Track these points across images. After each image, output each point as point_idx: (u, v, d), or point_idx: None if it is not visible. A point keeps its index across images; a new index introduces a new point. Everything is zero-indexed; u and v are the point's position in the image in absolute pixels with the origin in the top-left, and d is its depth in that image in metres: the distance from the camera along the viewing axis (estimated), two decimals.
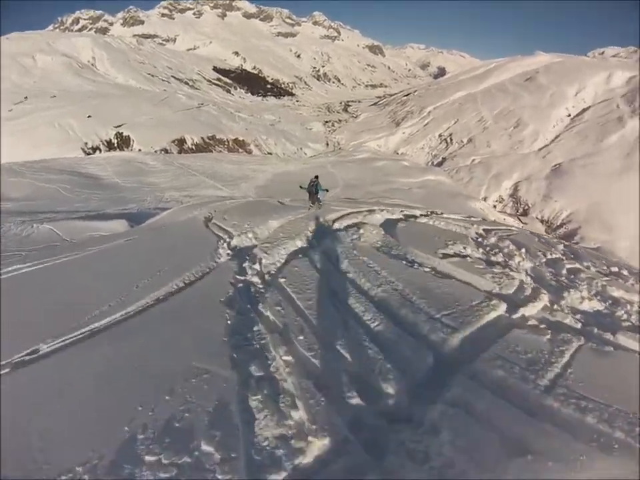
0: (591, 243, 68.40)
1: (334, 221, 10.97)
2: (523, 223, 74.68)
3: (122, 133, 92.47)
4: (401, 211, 13.00)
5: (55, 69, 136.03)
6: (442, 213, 13.97)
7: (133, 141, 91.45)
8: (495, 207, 79.64)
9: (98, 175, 43.21)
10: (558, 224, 78.03)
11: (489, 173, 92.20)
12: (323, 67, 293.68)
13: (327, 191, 13.82)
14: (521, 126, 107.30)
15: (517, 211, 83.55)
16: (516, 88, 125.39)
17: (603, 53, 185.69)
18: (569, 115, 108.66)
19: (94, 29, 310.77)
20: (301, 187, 14.26)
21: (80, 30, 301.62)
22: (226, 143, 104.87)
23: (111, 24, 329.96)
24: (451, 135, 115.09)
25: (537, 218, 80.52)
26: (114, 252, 8.77)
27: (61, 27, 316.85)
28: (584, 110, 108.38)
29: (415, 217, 12.58)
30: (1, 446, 3.36)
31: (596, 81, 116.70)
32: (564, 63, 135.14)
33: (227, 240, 9.31)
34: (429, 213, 13.69)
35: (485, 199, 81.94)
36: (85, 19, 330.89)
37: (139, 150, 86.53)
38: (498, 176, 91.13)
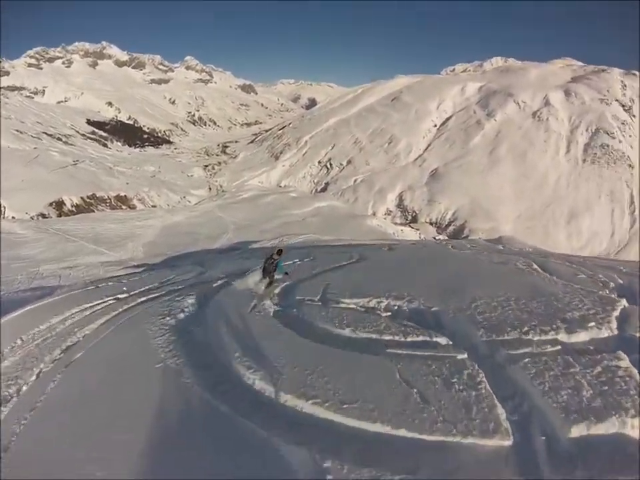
0: (479, 233, 70.01)
1: None
2: (415, 229, 74.67)
3: None
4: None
5: None
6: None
7: (4, 207, 79.74)
8: (384, 219, 79.30)
9: None
10: (446, 223, 79.72)
11: (373, 189, 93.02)
12: (198, 110, 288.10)
13: (287, 274, 10.31)
14: (395, 141, 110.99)
15: (407, 219, 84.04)
16: (384, 108, 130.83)
17: (454, 70, 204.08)
18: (435, 125, 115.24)
19: None
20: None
21: None
22: (108, 201, 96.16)
23: None
24: (330, 159, 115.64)
25: (426, 222, 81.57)
26: None
27: None
28: (447, 119, 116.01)
29: None
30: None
31: (452, 93, 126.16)
32: (422, 82, 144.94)
33: None
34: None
35: (374, 214, 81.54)
36: None
37: (12, 217, 76.08)
38: (381, 190, 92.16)
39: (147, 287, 11.25)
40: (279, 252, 9.79)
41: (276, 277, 9.88)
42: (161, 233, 55.65)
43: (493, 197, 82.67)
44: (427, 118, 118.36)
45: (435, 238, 72.21)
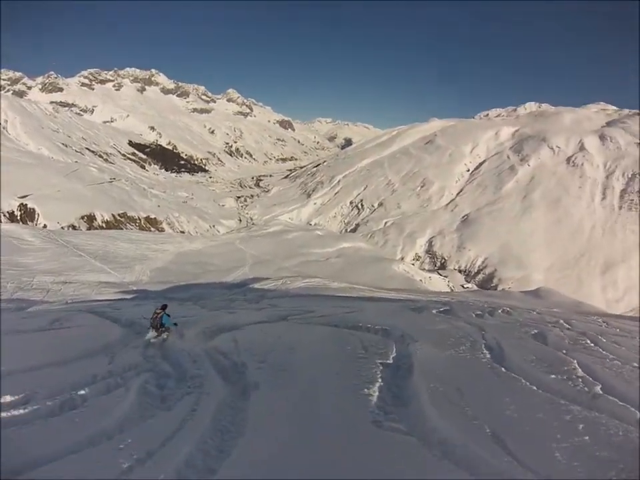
0: (509, 282, 69.33)
1: None
2: (443, 276, 74.85)
3: (26, 204, 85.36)
4: None
5: None
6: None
7: (39, 214, 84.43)
8: (413, 264, 79.70)
9: None
10: (475, 271, 79.26)
11: (403, 233, 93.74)
12: (235, 142, 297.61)
13: (176, 325, 10.53)
14: (427, 185, 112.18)
15: (435, 266, 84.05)
16: (418, 151, 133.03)
17: (487, 114, 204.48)
18: (468, 170, 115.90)
19: (11, 91, 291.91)
20: (144, 317, 11.24)
21: None
22: (138, 221, 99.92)
23: (30, 88, 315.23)
24: (361, 200, 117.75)
25: (455, 269, 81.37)
26: None
27: None
28: (480, 164, 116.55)
29: None
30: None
31: (486, 137, 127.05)
32: (456, 126, 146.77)
33: None
34: None
35: (402, 259, 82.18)
36: (4, 80, 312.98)
37: (44, 225, 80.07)
38: (412, 234, 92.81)
39: None
40: (163, 307, 10.28)
41: (167, 327, 10.15)
42: (174, 260, 54.48)
43: (525, 245, 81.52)
44: (460, 162, 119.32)
45: (463, 286, 72.19)
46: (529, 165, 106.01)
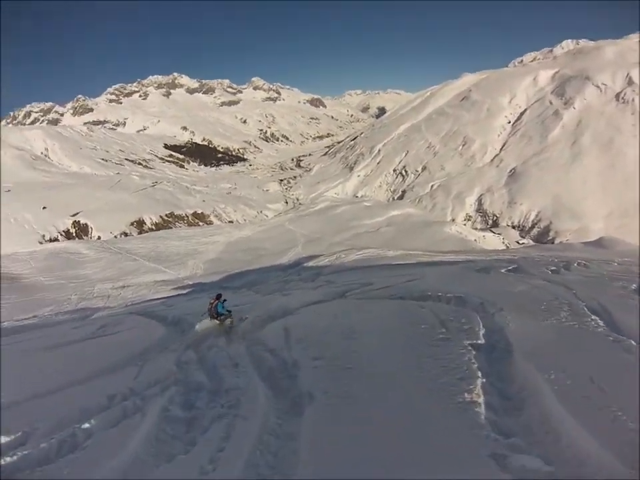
0: (567, 235, 67.96)
1: None
2: (496, 234, 74.13)
3: (79, 221, 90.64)
4: None
5: (8, 162, 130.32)
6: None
7: (92, 228, 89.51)
8: (465, 225, 79.29)
9: (18, 274, 40.10)
10: (530, 225, 77.76)
11: (450, 194, 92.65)
12: (269, 127, 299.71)
13: (230, 312, 11.04)
14: (469, 143, 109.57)
15: (487, 224, 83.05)
16: (454, 109, 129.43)
17: (522, 60, 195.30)
18: (509, 122, 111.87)
19: (46, 121, 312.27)
20: (203, 314, 11.54)
21: (32, 122, 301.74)
22: (185, 218, 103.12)
23: (62, 114, 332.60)
24: (404, 167, 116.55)
25: (508, 225, 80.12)
26: None
27: (13, 122, 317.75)
28: (521, 114, 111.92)
29: None
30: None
31: (524, 85, 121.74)
32: (490, 77, 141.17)
33: None
34: None
35: (453, 221, 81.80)
36: (36, 112, 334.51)
37: (98, 237, 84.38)
38: (459, 195, 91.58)
39: None
40: (218, 296, 10.93)
41: (226, 315, 10.83)
42: (225, 250, 55.42)
43: (578, 194, 78.31)
44: (500, 114, 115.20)
45: (518, 242, 71.42)
46: (574, 108, 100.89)
